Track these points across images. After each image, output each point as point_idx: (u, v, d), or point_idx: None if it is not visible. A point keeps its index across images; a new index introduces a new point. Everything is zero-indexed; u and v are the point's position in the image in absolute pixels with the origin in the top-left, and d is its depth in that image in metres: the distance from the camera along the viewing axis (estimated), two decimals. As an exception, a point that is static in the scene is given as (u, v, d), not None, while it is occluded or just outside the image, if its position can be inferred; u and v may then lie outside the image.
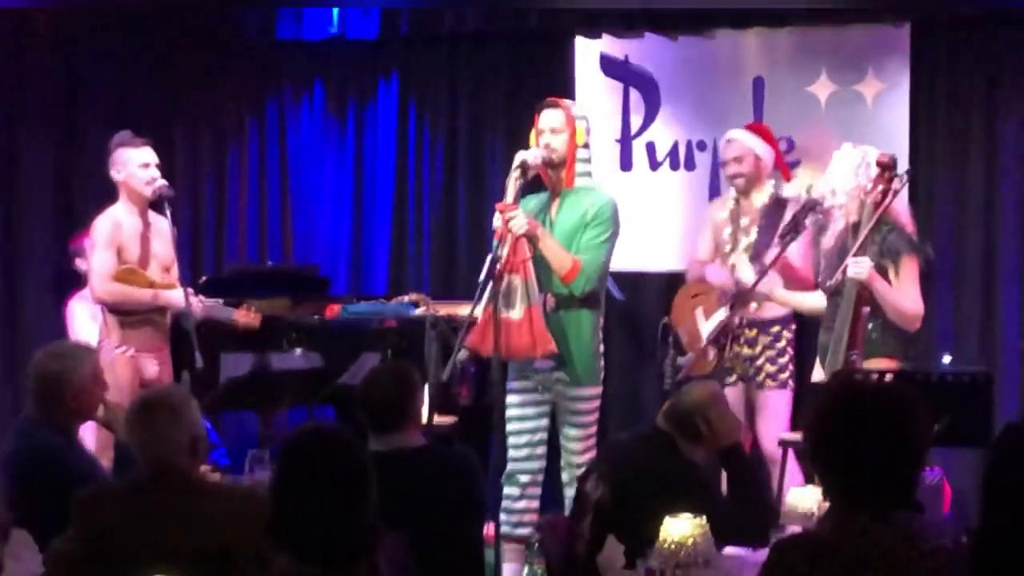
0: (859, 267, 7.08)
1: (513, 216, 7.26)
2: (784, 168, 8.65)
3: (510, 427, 7.60)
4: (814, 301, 7.58)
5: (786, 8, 9.02)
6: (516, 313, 7.33)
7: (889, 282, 7.20)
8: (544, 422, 7.62)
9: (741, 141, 8.43)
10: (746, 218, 8.38)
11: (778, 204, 8.31)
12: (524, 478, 7.61)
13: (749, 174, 8.36)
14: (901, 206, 7.36)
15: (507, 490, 7.64)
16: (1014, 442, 3.85)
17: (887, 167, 7.20)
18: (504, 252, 7.32)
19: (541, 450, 7.64)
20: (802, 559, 3.69)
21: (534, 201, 7.62)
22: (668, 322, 8.07)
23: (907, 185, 7.33)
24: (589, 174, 7.61)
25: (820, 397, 3.89)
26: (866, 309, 7.13)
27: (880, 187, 7.16)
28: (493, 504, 7.38)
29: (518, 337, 7.32)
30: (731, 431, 5.88)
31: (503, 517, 7.56)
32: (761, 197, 8.37)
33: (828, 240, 7.45)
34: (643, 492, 5.49)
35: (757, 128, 8.56)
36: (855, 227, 7.29)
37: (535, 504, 7.63)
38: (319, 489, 3.93)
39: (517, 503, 7.61)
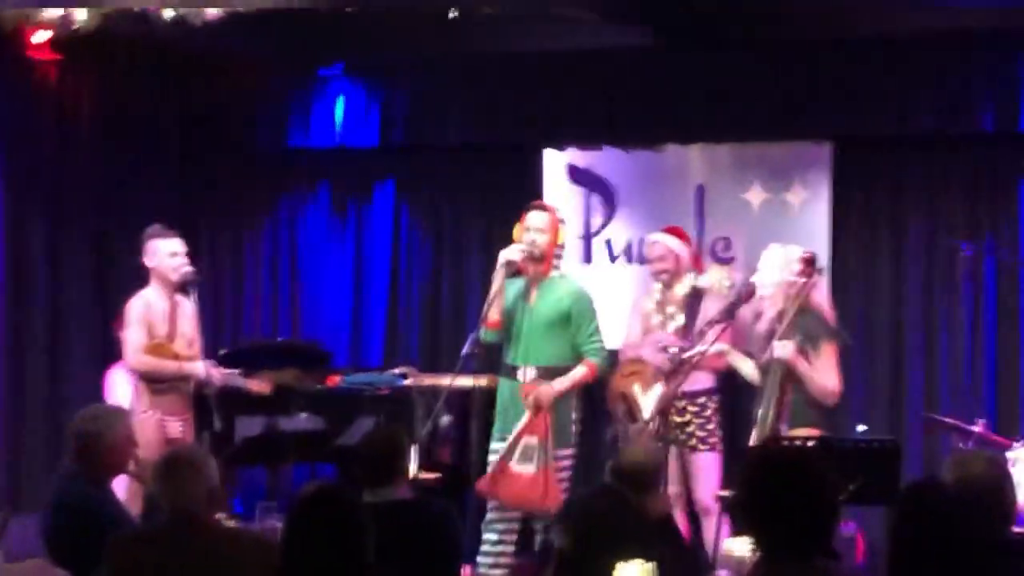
0: (784, 349, 7.14)
1: (540, 400, 7.46)
2: (699, 263, 8.63)
3: None
4: (750, 368, 7.58)
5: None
6: (530, 468, 7.40)
7: (810, 362, 7.23)
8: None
9: (662, 242, 8.41)
10: (672, 306, 8.36)
11: (696, 293, 8.33)
12: (501, 526, 7.61)
13: (671, 269, 8.36)
14: (821, 296, 7.42)
15: (486, 535, 7.64)
16: (915, 499, 3.89)
17: (808, 262, 7.26)
18: (525, 418, 7.48)
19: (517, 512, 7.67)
20: None
21: (514, 287, 7.70)
22: (623, 394, 8.09)
23: (825, 277, 7.38)
24: (559, 267, 7.80)
25: (747, 463, 3.91)
26: (789, 386, 7.17)
27: (802, 280, 7.21)
28: (471, 548, 7.37)
29: (531, 491, 7.42)
30: (662, 506, 5.92)
31: (480, 559, 7.55)
32: (683, 288, 8.37)
33: (760, 325, 7.48)
34: (600, 542, 5.47)
35: (673, 230, 8.54)
36: (781, 314, 7.33)
37: (510, 549, 7.61)
38: (323, 540, 3.94)
39: (494, 547, 7.61)
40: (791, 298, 7.24)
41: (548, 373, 7.62)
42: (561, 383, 7.57)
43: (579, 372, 7.63)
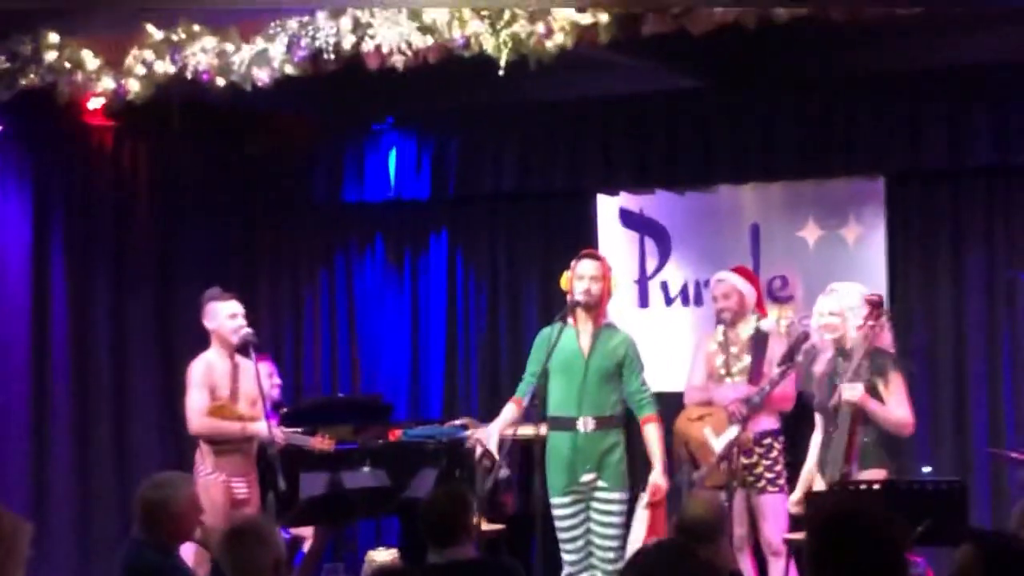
0: (854, 391, 7.10)
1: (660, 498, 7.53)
2: (761, 305, 8.61)
3: (562, 535, 7.64)
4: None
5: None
6: None
7: (880, 396, 7.19)
8: (587, 527, 7.62)
9: (728, 280, 8.42)
10: (735, 347, 8.35)
11: (760, 335, 8.31)
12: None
13: (734, 309, 8.35)
14: (887, 338, 7.36)
15: None
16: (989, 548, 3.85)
17: (875, 305, 7.22)
18: (646, 521, 7.53)
19: (586, 552, 7.66)
20: None
21: (563, 336, 7.63)
22: (686, 441, 8.08)
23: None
24: (606, 315, 7.79)
25: (812, 520, 3.88)
26: (859, 428, 7.12)
27: (869, 322, 7.17)
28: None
29: None
30: (728, 561, 5.86)
31: None
32: (747, 329, 8.36)
33: (819, 366, 7.43)
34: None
35: (741, 270, 8.55)
36: (842, 353, 7.29)
37: None
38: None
39: None
40: (857, 339, 7.20)
41: (606, 423, 7.60)
42: (658, 466, 7.55)
43: (655, 439, 7.62)
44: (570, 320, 7.68)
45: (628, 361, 7.62)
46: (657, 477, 7.55)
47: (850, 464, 7.06)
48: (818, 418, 7.43)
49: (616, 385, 7.62)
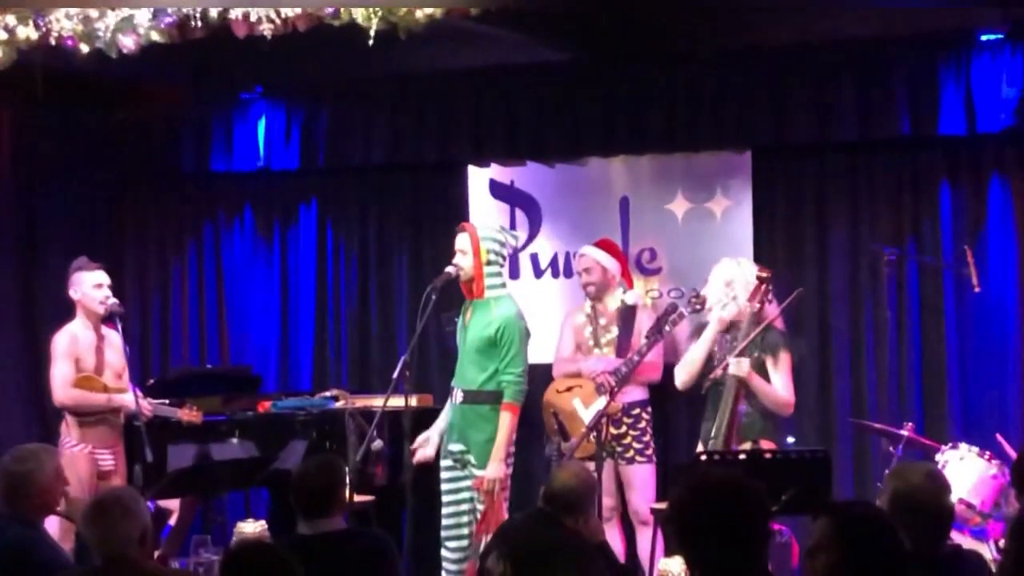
0: (740, 366, 7.17)
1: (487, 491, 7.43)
2: (628, 277, 8.65)
3: (442, 497, 7.72)
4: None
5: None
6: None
7: (767, 374, 7.27)
8: (466, 495, 7.66)
9: (590, 255, 8.46)
10: (603, 318, 8.41)
11: (627, 307, 8.36)
12: (452, 543, 7.70)
13: (597, 282, 8.39)
14: (773, 309, 7.44)
15: (442, 551, 7.73)
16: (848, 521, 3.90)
17: (765, 280, 7.29)
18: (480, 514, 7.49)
19: (464, 519, 7.69)
20: None
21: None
22: (555, 412, 8.11)
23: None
24: (503, 285, 7.77)
25: (679, 491, 3.91)
26: (742, 401, 7.20)
27: (758, 296, 7.24)
28: (409, 572, 7.35)
29: None
30: (596, 532, 5.90)
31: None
32: (614, 302, 8.41)
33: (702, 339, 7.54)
34: (537, 566, 5.44)
35: (604, 243, 8.59)
36: (730, 327, 7.38)
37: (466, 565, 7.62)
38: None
39: (451, 565, 7.70)
40: (748, 313, 7.26)
41: (472, 397, 7.59)
42: (495, 455, 7.46)
43: (504, 426, 7.48)
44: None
45: (499, 339, 7.55)
46: (488, 469, 7.46)
47: (731, 437, 7.13)
48: None
49: (490, 362, 7.57)
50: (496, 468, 7.45)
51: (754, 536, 3.80)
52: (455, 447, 7.63)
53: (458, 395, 7.62)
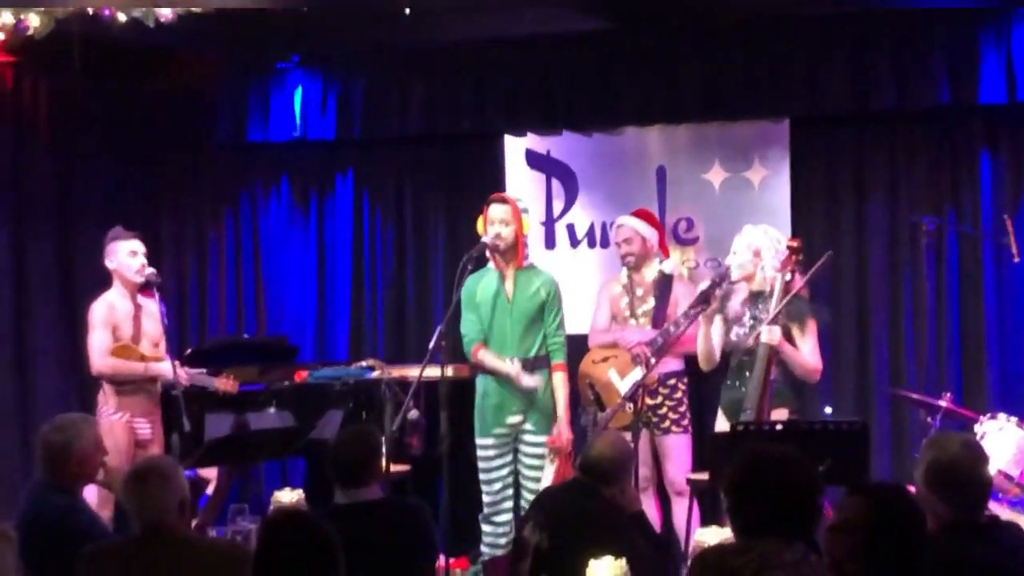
0: (772, 334, 7.14)
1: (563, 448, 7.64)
2: (664, 247, 8.63)
3: (484, 476, 7.82)
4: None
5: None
6: None
7: (794, 341, 7.25)
8: (512, 468, 7.80)
9: (628, 225, 8.43)
10: (640, 289, 8.38)
11: (665, 277, 8.34)
12: (500, 517, 7.81)
13: (637, 253, 8.36)
14: (800, 279, 7.41)
15: (486, 528, 7.84)
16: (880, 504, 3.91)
17: (797, 250, 7.25)
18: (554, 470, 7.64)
19: (511, 491, 7.84)
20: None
21: (484, 280, 7.82)
22: (591, 383, 8.11)
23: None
24: (528, 256, 7.90)
25: (735, 466, 4.02)
26: (774, 369, 7.18)
27: (790, 266, 7.21)
28: (444, 541, 7.38)
29: None
30: (632, 502, 5.91)
31: (486, 551, 7.84)
32: (651, 272, 8.38)
33: (734, 307, 7.48)
34: (573, 536, 5.47)
35: (642, 213, 8.56)
36: (755, 296, 7.35)
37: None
38: (292, 566, 3.90)
39: (499, 539, 7.81)
40: (777, 282, 7.23)
41: (531, 365, 7.76)
42: (562, 415, 7.73)
43: (562, 391, 7.79)
44: (491, 264, 7.78)
45: (549, 303, 7.78)
46: (563, 429, 7.68)
47: (764, 406, 7.12)
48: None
49: (540, 327, 7.79)
50: (566, 427, 7.68)
51: (804, 509, 3.93)
52: (513, 420, 7.77)
53: (515, 364, 7.68)
